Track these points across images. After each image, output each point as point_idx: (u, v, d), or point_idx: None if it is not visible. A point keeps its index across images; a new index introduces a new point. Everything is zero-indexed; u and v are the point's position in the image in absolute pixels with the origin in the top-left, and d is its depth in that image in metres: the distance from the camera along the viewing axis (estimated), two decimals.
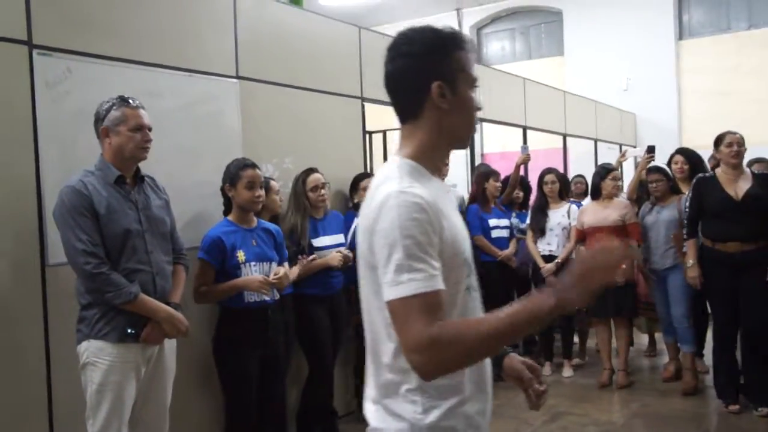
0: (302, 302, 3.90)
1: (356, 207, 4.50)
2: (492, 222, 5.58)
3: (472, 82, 1.44)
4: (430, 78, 1.38)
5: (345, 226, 4.30)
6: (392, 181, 1.34)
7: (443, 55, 1.40)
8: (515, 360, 1.60)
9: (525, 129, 7.38)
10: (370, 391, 1.45)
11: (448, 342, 1.24)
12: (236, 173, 3.35)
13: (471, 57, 1.44)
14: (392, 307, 1.28)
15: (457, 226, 1.41)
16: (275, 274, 3.32)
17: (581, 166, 8.03)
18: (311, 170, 4.08)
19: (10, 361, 2.81)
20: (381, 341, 1.38)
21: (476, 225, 5.41)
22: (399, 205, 1.28)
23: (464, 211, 5.46)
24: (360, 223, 1.41)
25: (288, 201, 4.08)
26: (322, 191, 4.05)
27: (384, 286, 1.28)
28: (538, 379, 1.57)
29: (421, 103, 1.40)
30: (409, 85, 1.41)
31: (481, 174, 5.66)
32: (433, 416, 1.35)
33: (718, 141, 4.52)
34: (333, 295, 4.09)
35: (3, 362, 2.78)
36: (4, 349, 2.79)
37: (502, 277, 5.44)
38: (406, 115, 1.44)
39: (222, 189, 3.45)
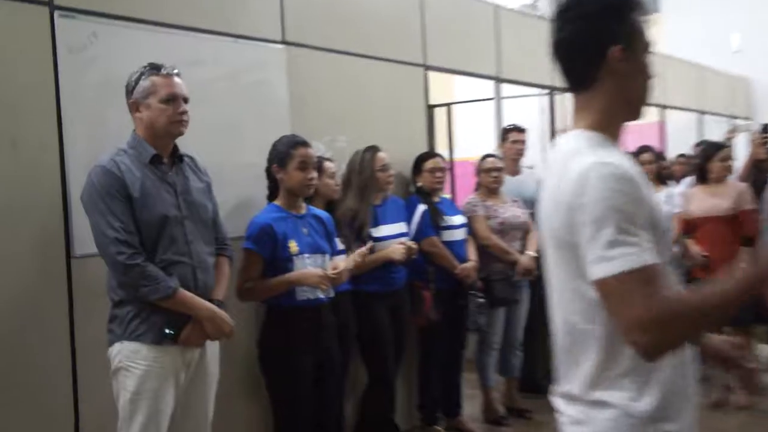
0: (361, 300, 3.88)
1: (419, 191, 4.43)
2: None
3: (647, 47, 1.52)
4: (607, 41, 1.46)
5: (407, 213, 4.24)
6: (585, 153, 1.42)
7: (619, 16, 1.48)
8: (715, 339, 1.66)
9: None
10: (566, 384, 1.51)
11: (673, 316, 1.32)
12: (287, 152, 3.31)
13: (645, 20, 1.52)
14: (605, 285, 1.34)
15: (653, 197, 1.46)
16: (334, 268, 3.28)
17: (683, 143, 7.78)
18: (376, 148, 4.04)
19: (33, 365, 2.83)
20: (578, 327, 1.44)
21: None
22: (601, 177, 1.35)
23: None
24: (550, 199, 1.48)
25: (343, 184, 4.03)
26: (391, 171, 4.00)
27: (592, 264, 1.35)
28: (745, 357, 1.64)
29: (597, 69, 1.48)
30: (584, 49, 1.49)
31: None
32: (645, 403, 1.40)
33: None
34: (395, 292, 4.07)
35: (25, 365, 2.81)
36: (26, 351, 2.81)
37: None
38: (580, 83, 1.52)
39: (268, 170, 3.42)
